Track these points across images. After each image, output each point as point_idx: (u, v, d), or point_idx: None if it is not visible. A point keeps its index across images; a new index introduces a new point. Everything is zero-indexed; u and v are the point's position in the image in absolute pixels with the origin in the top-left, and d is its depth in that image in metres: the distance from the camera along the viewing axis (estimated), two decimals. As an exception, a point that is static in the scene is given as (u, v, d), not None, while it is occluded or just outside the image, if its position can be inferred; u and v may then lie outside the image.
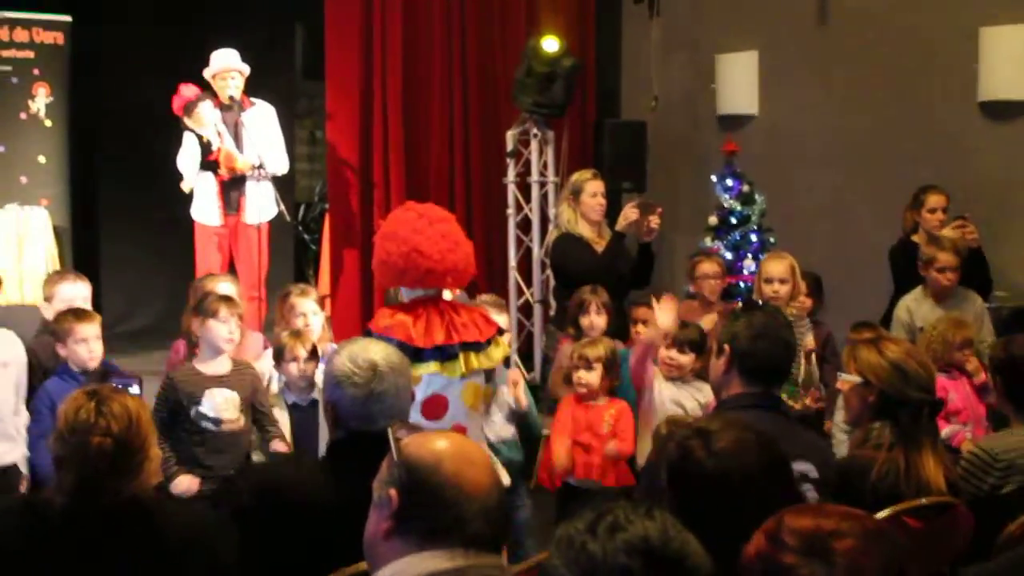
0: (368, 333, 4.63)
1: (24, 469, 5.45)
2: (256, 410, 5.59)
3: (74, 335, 5.56)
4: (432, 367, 4.62)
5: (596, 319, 6.32)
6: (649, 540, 1.93)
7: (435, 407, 4.62)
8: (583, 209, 7.18)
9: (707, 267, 7.29)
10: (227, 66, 8.64)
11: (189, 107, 8.45)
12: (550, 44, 9.29)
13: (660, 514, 2.00)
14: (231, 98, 8.61)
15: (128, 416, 3.18)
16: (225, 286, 6.38)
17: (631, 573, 1.91)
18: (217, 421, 5.39)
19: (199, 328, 5.51)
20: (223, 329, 5.46)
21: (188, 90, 8.51)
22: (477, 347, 4.79)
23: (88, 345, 5.57)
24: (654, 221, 6.93)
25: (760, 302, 6.20)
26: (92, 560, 3.10)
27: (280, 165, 8.78)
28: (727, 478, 2.63)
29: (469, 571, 2.39)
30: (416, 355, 4.54)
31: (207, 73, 8.66)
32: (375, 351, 3.50)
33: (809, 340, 6.45)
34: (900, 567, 1.99)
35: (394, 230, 4.77)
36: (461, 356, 4.72)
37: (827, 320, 7.18)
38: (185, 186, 8.66)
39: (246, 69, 8.71)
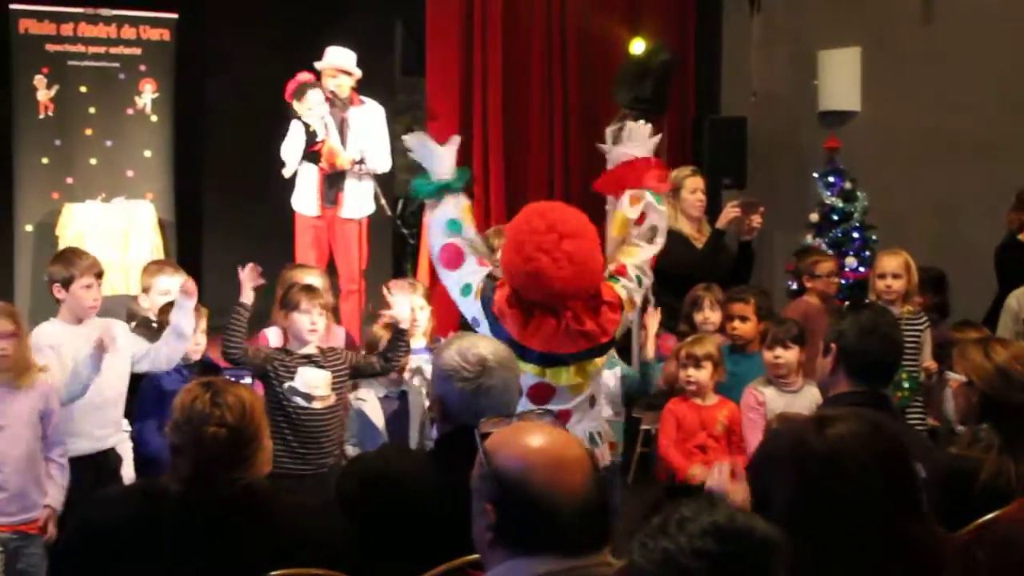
0: (488, 303, 4.60)
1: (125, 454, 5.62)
2: (357, 368, 5.69)
3: None
4: (532, 368, 4.51)
5: (710, 314, 6.33)
6: (717, 523, 1.98)
7: (542, 393, 4.57)
8: (683, 205, 7.17)
9: (829, 265, 7.09)
10: (331, 64, 8.74)
11: (300, 89, 8.57)
12: (637, 46, 9.30)
13: (722, 503, 2.06)
14: (332, 94, 8.71)
15: (242, 406, 3.24)
16: (311, 277, 6.41)
17: (707, 554, 1.95)
18: (308, 397, 5.44)
19: (284, 321, 5.58)
20: (306, 320, 5.51)
21: (303, 76, 8.63)
22: (590, 353, 4.67)
23: (195, 337, 5.67)
24: (756, 220, 6.91)
25: (873, 298, 6.18)
26: (205, 547, 3.16)
27: (382, 163, 8.86)
28: (840, 465, 2.60)
29: (572, 573, 2.39)
30: (521, 354, 4.48)
31: (317, 64, 8.77)
32: (484, 346, 3.52)
33: (928, 337, 6.42)
34: None
35: (522, 240, 4.53)
36: (573, 366, 4.62)
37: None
38: (286, 172, 8.77)
39: (355, 71, 8.80)
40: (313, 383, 5.45)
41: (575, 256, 4.46)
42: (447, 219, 4.81)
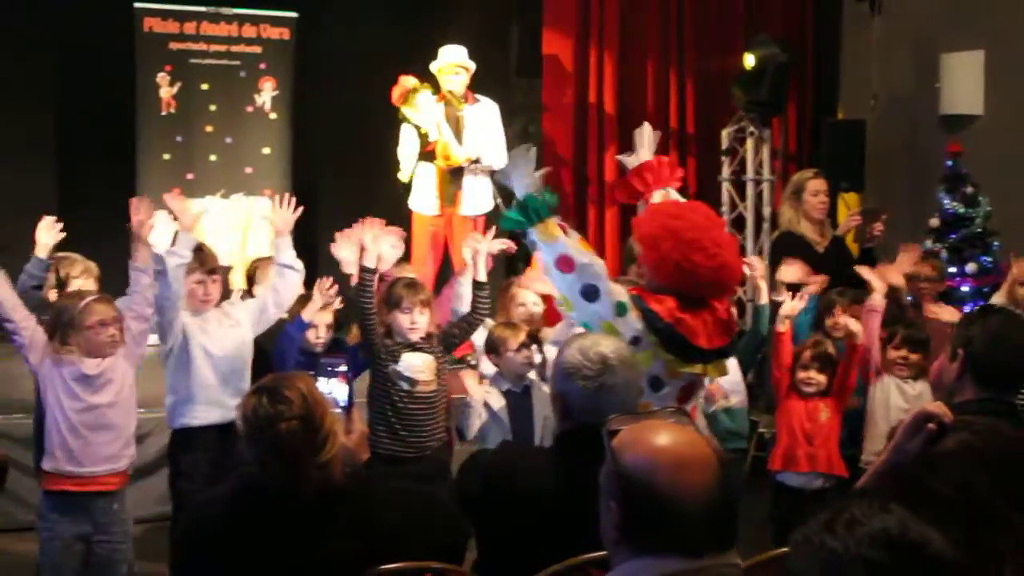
0: (648, 310, 4.53)
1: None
2: (446, 345, 5.79)
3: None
4: (697, 368, 4.55)
5: (840, 320, 6.27)
6: (889, 531, 1.91)
7: (689, 393, 4.58)
8: (805, 208, 7.15)
9: (920, 269, 7.02)
10: (451, 61, 8.79)
11: (408, 96, 8.63)
12: (749, 60, 9.23)
13: (895, 508, 1.98)
14: (450, 92, 8.75)
15: (301, 395, 3.29)
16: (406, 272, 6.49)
17: (877, 564, 1.88)
18: (412, 381, 5.53)
19: (388, 318, 5.65)
20: (406, 319, 5.60)
21: (407, 80, 8.68)
22: (733, 345, 4.79)
23: (317, 331, 5.94)
24: (878, 227, 6.86)
25: (1002, 302, 6.10)
26: (308, 537, 3.18)
27: (499, 160, 8.88)
28: (944, 471, 2.56)
29: (695, 574, 2.37)
30: (697, 355, 4.51)
31: (433, 66, 8.81)
32: (606, 345, 3.52)
33: None
34: None
35: (696, 238, 4.52)
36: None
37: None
38: (402, 176, 8.84)
39: (472, 66, 8.84)
40: (417, 367, 5.55)
41: (733, 245, 4.65)
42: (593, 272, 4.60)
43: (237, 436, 5.65)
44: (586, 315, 4.54)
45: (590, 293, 4.52)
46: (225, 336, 5.71)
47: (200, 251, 5.74)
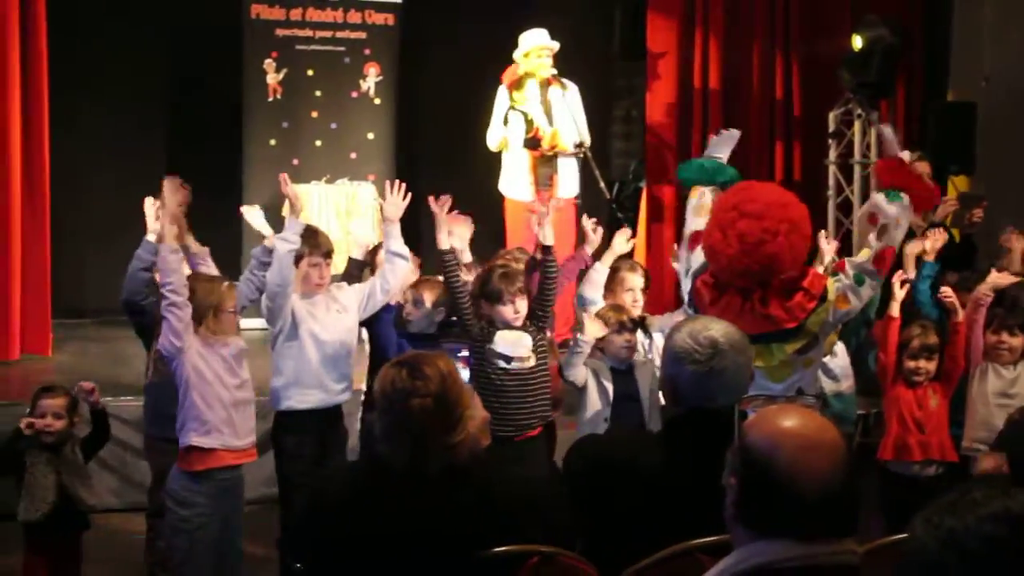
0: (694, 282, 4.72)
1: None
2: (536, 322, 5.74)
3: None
4: None
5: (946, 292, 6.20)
6: (1011, 509, 1.91)
7: None
8: (908, 190, 7.03)
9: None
10: (539, 44, 8.78)
11: (522, 81, 8.66)
12: (857, 41, 9.13)
13: (1016, 491, 1.97)
14: (553, 76, 8.75)
15: (440, 374, 3.28)
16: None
17: (998, 540, 1.89)
18: (508, 359, 5.54)
19: (489, 310, 5.64)
20: (510, 310, 5.59)
21: (520, 66, 8.72)
22: (770, 337, 4.61)
23: (415, 308, 5.91)
24: (977, 214, 6.75)
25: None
26: (431, 517, 3.20)
27: (587, 141, 8.92)
28: None
29: (811, 559, 2.35)
30: None
31: (518, 54, 8.80)
32: (716, 329, 3.48)
33: None
34: None
35: (712, 215, 4.70)
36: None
37: None
38: (491, 144, 8.92)
39: (556, 46, 8.83)
40: (512, 345, 5.57)
41: (746, 237, 4.48)
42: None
43: (341, 419, 5.78)
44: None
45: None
46: (333, 321, 5.75)
47: (315, 235, 5.80)
